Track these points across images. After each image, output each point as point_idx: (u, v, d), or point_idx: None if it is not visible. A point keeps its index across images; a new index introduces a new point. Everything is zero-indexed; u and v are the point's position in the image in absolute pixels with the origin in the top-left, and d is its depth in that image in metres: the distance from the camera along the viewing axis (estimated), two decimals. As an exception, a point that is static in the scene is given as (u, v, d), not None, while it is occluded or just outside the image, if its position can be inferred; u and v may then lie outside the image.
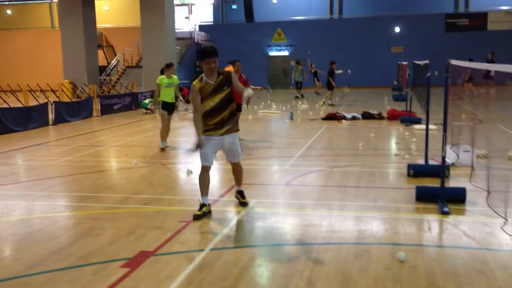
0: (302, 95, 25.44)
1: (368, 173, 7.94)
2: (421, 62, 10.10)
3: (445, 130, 5.83)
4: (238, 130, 5.87)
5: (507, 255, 4.40)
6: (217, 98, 5.56)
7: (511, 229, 4.99)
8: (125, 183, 7.77)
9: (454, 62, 5.65)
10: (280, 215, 5.81)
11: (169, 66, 10.77)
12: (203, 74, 5.61)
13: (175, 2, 30.26)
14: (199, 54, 5.71)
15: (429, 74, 7.51)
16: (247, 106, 7.49)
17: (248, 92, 5.52)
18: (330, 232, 5.12)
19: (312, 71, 27.49)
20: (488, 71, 18.80)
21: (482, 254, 4.40)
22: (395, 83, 25.77)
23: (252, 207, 6.11)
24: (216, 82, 5.57)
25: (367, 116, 15.36)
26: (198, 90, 5.55)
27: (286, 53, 35.33)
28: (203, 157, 5.70)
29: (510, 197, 6.24)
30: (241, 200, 6.12)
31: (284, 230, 5.24)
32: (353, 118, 15.21)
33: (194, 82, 5.62)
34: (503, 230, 4.96)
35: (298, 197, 6.58)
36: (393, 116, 14.95)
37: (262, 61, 35.20)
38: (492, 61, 23.05)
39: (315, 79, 27.63)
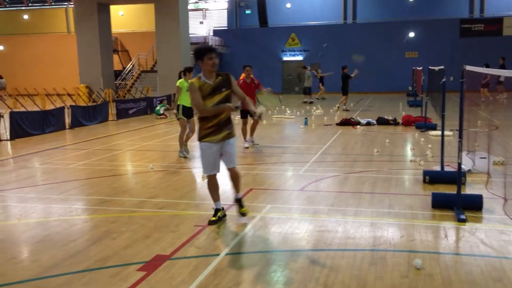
0: (311, 101, 25.32)
1: (383, 179, 7.91)
2: (436, 68, 10.05)
3: (460, 136, 5.79)
4: (235, 135, 5.67)
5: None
6: (215, 99, 5.35)
7: (529, 238, 4.95)
8: (141, 187, 7.83)
9: (469, 68, 5.62)
10: (295, 220, 5.81)
11: (189, 70, 10.24)
12: (201, 74, 5.40)
13: (189, 7, 30.48)
14: (197, 52, 5.35)
15: (444, 79, 7.47)
16: (260, 120, 7.36)
17: (260, 108, 5.53)
18: (346, 238, 5.11)
19: (318, 76, 27.36)
20: (498, 77, 18.62)
21: (499, 263, 4.36)
22: (410, 88, 25.63)
23: (266, 212, 6.12)
24: (215, 83, 5.37)
25: (382, 121, 15.29)
26: (198, 87, 5.33)
27: (300, 58, 35.32)
28: (207, 167, 5.55)
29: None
30: (240, 210, 5.80)
31: (299, 236, 5.24)
32: (368, 123, 15.16)
33: (193, 81, 5.40)
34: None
35: (313, 203, 6.58)
36: (408, 122, 14.87)
37: (276, 66, 35.25)
38: (503, 66, 22.80)
39: (320, 84, 27.50)
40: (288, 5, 36.84)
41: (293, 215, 6.03)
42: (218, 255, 4.70)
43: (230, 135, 5.53)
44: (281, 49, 35.66)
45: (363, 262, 4.44)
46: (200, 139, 5.47)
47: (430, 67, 14.13)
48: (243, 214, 5.77)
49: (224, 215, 5.80)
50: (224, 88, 5.41)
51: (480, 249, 4.71)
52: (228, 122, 5.51)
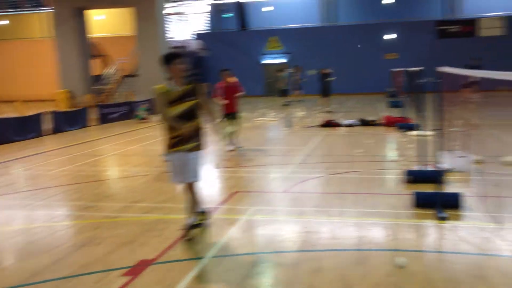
0: (288, 103, 25.19)
1: (366, 179, 8.00)
2: (414, 69, 10.20)
3: (440, 136, 5.90)
4: (204, 149, 5.30)
5: (505, 260, 4.45)
6: (181, 107, 5.07)
7: (508, 234, 5.05)
8: (124, 192, 7.79)
9: (443, 69, 5.73)
10: (280, 222, 5.85)
11: None
12: (169, 80, 5.14)
13: (168, 11, 30.44)
14: (165, 57, 5.12)
15: (422, 80, 7.60)
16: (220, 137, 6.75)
17: (215, 123, 5.44)
18: (330, 238, 5.16)
19: (297, 78, 27.32)
20: (470, 77, 18.91)
21: (480, 260, 4.45)
22: (389, 89, 25.88)
23: (251, 214, 6.14)
24: (183, 90, 5.11)
25: (364, 122, 15.44)
26: (163, 93, 5.07)
27: (281, 61, 35.48)
28: (175, 176, 5.23)
29: (505, 202, 6.32)
30: (189, 234, 5.25)
31: (284, 237, 5.27)
32: (350, 125, 15.29)
33: (158, 86, 5.15)
34: (499, 235, 5.01)
35: (297, 204, 6.62)
36: (389, 123, 15.04)
37: (257, 69, 35.34)
38: (477, 67, 23.13)
39: (297, 86, 27.48)
40: (266, 8, 36.93)
41: (278, 217, 6.06)
42: (203, 258, 4.71)
43: (198, 147, 5.19)
44: (262, 52, 35.79)
45: (348, 262, 4.49)
46: (167, 149, 5.17)
47: (407, 69, 14.34)
48: (190, 239, 5.21)
49: (206, 219, 5.61)
50: (192, 97, 5.14)
51: (461, 247, 4.80)
52: (197, 134, 5.18)
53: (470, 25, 32.60)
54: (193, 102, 5.14)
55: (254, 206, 6.52)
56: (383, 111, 19.31)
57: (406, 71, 16.02)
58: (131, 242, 5.21)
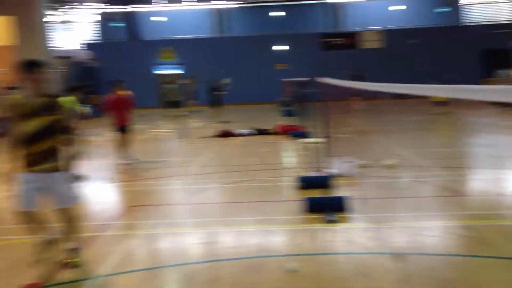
0: (183, 114, 25.07)
1: (262, 187, 8.23)
2: (300, 79, 10.73)
3: (329, 143, 6.26)
4: (69, 169, 4.68)
5: (386, 258, 4.83)
6: (34, 123, 4.46)
7: (388, 233, 5.50)
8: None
9: (322, 80, 6.14)
10: (178, 234, 5.83)
11: (76, 88, 10.62)
12: (22, 91, 4.55)
13: (53, 19, 28.98)
14: (25, 64, 4.49)
15: (307, 90, 8.04)
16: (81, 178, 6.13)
17: (74, 150, 4.71)
18: (228, 248, 5.25)
19: (192, 89, 27.37)
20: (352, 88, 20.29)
21: (365, 258, 4.79)
22: (281, 99, 26.83)
23: (149, 228, 6.05)
24: (38, 103, 4.49)
25: (259, 132, 15.84)
26: (15, 105, 4.50)
27: (175, 71, 35.27)
28: (21, 201, 4.47)
29: (386, 203, 6.87)
30: (71, 260, 4.74)
31: (182, 250, 5.28)
32: (245, 134, 15.61)
33: (11, 96, 4.65)
34: (381, 234, 5.44)
35: (195, 216, 6.65)
36: (283, 131, 15.57)
37: (150, 80, 34.78)
38: (360, 77, 24.84)
39: (190, 98, 27.55)
40: (158, 19, 36.61)
41: (176, 229, 6.04)
42: (99, 277, 4.55)
43: (56, 168, 4.54)
44: (155, 62, 35.31)
45: (243, 270, 4.60)
46: (20, 168, 4.53)
47: (294, 79, 15.03)
48: (74, 266, 4.74)
49: (54, 241, 4.74)
50: (47, 112, 4.50)
51: (348, 247, 5.13)
52: (53, 153, 4.55)
53: (352, 38, 34.85)
54: (47, 118, 4.50)
55: (151, 219, 6.43)
56: (276, 120, 19.98)
57: (294, 81, 16.75)
58: (12, 267, 4.89)
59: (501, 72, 24.19)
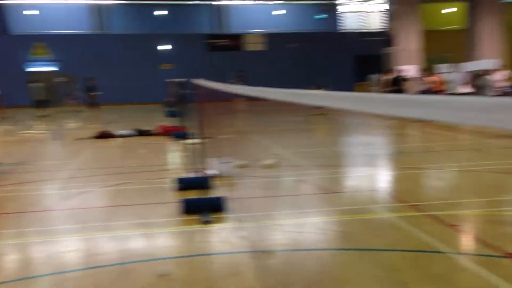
0: (46, 115, 23.62)
1: (139, 190, 7.97)
2: (180, 80, 10.65)
3: (209, 144, 6.23)
4: None
5: (258, 256, 4.89)
6: None
7: (262, 232, 5.60)
8: None
9: (196, 81, 6.12)
10: (49, 242, 5.41)
11: None
12: None
13: None
14: None
15: (185, 91, 7.97)
16: None
17: None
18: (94, 255, 4.96)
19: (72, 87, 26.06)
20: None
21: (237, 257, 4.81)
22: (165, 100, 26.46)
23: (16, 237, 5.55)
24: None
25: (139, 133, 15.41)
26: None
27: (51, 69, 33.16)
28: None
29: (263, 202, 7.01)
30: None
31: (52, 258, 4.89)
32: (125, 135, 15.10)
33: None
34: (254, 233, 5.53)
35: (68, 222, 6.23)
36: (165, 132, 15.31)
37: (22, 77, 32.32)
38: (242, 78, 25.39)
39: (71, 96, 26.24)
40: (30, 12, 34.20)
41: (47, 237, 5.60)
42: None
43: None
44: (27, 59, 32.89)
45: (116, 277, 4.38)
46: None
47: (177, 79, 14.90)
48: None
49: None
50: None
51: (222, 247, 5.12)
52: None
53: (237, 40, 35.44)
54: None
55: (18, 228, 5.91)
56: (159, 121, 19.59)
57: (176, 82, 16.58)
58: None
59: (373, 76, 26.07)
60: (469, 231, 5.57)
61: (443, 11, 35.41)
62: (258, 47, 35.11)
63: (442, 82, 20.78)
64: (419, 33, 26.38)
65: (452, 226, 5.50)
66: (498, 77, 19.73)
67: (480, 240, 5.19)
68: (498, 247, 4.77)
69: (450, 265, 4.50)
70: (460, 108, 0.97)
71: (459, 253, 4.75)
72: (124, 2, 35.66)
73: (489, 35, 26.66)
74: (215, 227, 5.78)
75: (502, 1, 27.66)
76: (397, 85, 20.83)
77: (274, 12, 37.47)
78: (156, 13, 35.74)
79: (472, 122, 0.98)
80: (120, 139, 14.56)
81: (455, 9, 33.80)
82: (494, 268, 4.32)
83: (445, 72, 22.28)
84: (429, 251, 4.85)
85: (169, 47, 34.42)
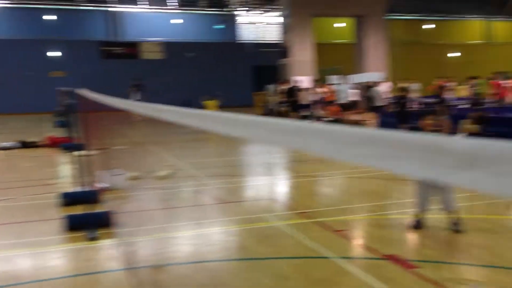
0: None
1: (22, 206, 7.42)
2: (67, 89, 10.14)
3: (100, 155, 5.95)
4: None
5: (146, 271, 4.74)
6: None
7: (150, 246, 5.44)
8: None
9: (80, 91, 5.88)
10: None
11: None
12: None
13: None
14: None
15: (69, 101, 7.58)
16: None
17: None
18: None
19: None
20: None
21: (122, 275, 4.61)
22: (56, 109, 25.08)
23: None
24: None
25: (24, 144, 14.39)
26: None
27: None
28: None
29: (153, 215, 6.84)
30: None
31: None
32: (8, 147, 14.02)
33: None
34: (143, 247, 5.35)
35: None
36: (53, 143, 14.45)
37: None
38: (139, 87, 24.73)
39: None
40: None
41: None
42: None
43: None
44: None
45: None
46: None
47: (67, 88, 14.18)
48: None
49: None
50: None
51: (107, 265, 4.90)
52: None
53: (133, 48, 34.58)
54: None
55: None
56: (48, 132, 18.45)
57: (65, 90, 15.77)
58: None
59: (270, 86, 26.69)
60: (352, 235, 5.84)
61: (335, 25, 37.31)
62: (156, 55, 34.55)
63: (332, 93, 21.82)
64: (312, 45, 27.54)
65: (337, 232, 5.74)
66: (384, 89, 21.13)
67: (361, 244, 5.47)
68: (376, 249, 5.05)
69: (333, 269, 4.67)
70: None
71: (342, 257, 4.95)
72: (9, 5, 33.27)
73: (374, 49, 28.56)
74: (101, 243, 5.51)
75: (386, 18, 29.76)
76: (293, 95, 21.55)
77: (172, 21, 37.06)
78: (45, 17, 33.78)
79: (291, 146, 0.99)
80: (1, 152, 13.48)
81: (344, 24, 35.73)
82: (372, 269, 4.56)
83: (336, 83, 23.43)
84: (315, 257, 5.01)
85: (59, 53, 32.65)
